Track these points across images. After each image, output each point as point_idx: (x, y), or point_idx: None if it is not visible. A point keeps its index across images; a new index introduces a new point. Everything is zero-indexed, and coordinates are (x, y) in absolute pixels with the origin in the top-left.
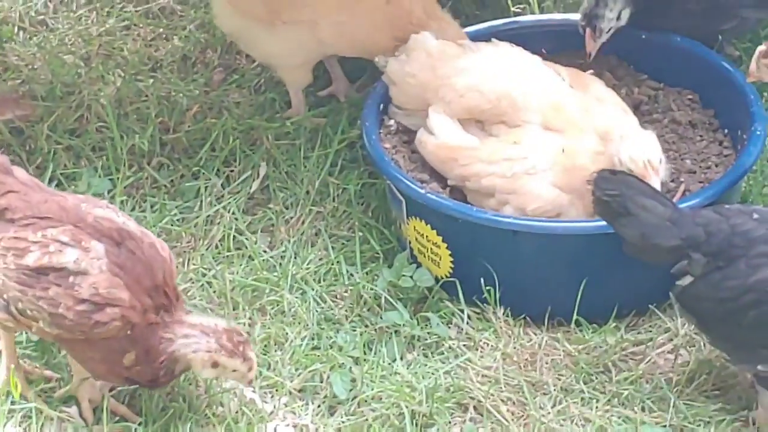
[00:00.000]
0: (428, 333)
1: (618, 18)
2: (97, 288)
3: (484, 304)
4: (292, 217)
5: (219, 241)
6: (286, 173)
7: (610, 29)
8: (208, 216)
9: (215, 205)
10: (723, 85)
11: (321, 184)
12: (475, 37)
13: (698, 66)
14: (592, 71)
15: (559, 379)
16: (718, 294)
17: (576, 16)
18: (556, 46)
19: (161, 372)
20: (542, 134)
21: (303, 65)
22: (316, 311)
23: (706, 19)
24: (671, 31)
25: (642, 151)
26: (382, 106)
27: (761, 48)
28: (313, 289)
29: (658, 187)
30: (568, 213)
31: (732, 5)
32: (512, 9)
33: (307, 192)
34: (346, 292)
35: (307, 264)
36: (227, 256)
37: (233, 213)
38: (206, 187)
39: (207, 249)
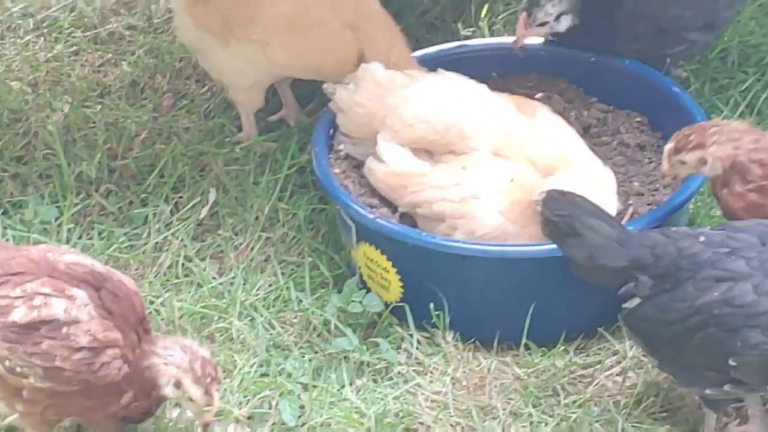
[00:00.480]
0: (377, 358)
1: (557, 19)
2: (94, 334)
3: (434, 329)
4: (241, 244)
5: (167, 268)
6: (235, 199)
7: (544, 23)
8: (157, 243)
9: (164, 232)
10: (671, 107)
11: (271, 209)
12: (425, 61)
13: (647, 89)
14: (542, 94)
15: (508, 403)
16: (666, 316)
17: (527, 39)
18: (507, 69)
19: (153, 401)
20: (491, 160)
21: (255, 86)
22: (265, 338)
23: (655, 43)
24: (619, 53)
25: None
26: (332, 131)
27: (669, 146)
28: (262, 316)
29: None
30: (516, 241)
31: (681, 29)
32: (462, 32)
33: (257, 218)
34: (295, 318)
35: (257, 290)
36: (176, 283)
37: (182, 240)
38: (155, 214)
39: (155, 276)
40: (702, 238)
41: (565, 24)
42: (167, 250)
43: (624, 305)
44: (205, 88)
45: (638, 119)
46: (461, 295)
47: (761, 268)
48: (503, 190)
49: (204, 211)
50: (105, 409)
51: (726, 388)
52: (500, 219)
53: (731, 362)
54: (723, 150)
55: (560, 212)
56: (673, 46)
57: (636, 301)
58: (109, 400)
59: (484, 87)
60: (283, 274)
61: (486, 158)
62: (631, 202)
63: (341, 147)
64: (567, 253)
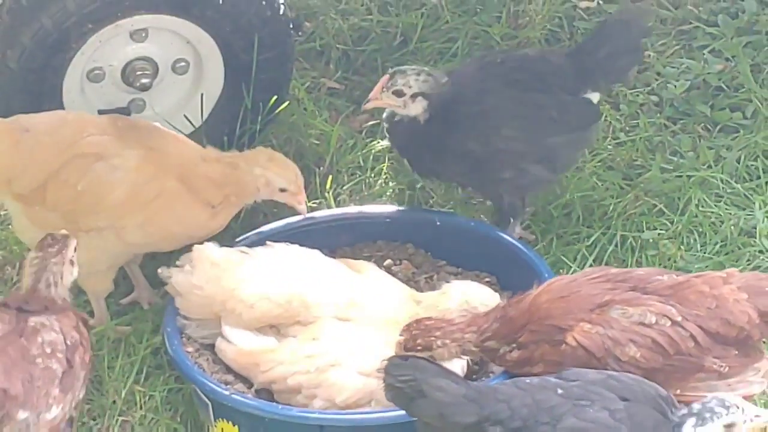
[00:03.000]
0: None
1: (413, 97)
2: None
3: None
4: (99, 429)
5: None
6: (91, 383)
7: (401, 92)
8: None
9: None
10: (518, 266)
11: (127, 392)
12: (273, 235)
13: (493, 249)
14: (390, 261)
15: None
16: None
17: (371, 208)
18: (355, 238)
19: None
20: (339, 325)
21: (108, 270)
22: None
23: (485, 164)
24: (448, 174)
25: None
26: None
27: (399, 339)
28: None
29: None
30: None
31: (513, 155)
32: (308, 204)
33: (114, 402)
34: None
35: None
36: None
37: None
38: None
39: None
40: (560, 391)
41: (416, 109)
42: None
43: None
44: None
45: (487, 279)
46: None
47: (625, 422)
48: (360, 350)
49: None
50: None
51: None
52: (362, 380)
53: None
54: (447, 350)
55: (404, 377)
56: (504, 171)
57: None
58: None
59: (316, 252)
60: None
61: (333, 324)
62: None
63: (186, 331)
64: (416, 415)
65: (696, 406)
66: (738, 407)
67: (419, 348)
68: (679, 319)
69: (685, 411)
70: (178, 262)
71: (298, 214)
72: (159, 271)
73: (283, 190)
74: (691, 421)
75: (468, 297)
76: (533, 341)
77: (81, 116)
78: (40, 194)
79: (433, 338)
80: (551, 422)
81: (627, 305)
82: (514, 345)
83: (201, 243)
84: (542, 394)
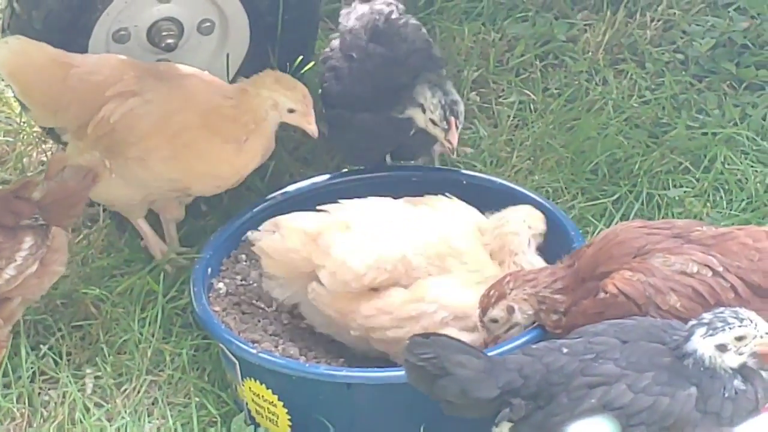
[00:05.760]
0: None
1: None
2: None
3: None
4: (126, 390)
5: (54, 418)
6: (117, 342)
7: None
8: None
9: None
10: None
11: (154, 352)
12: (299, 195)
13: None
14: None
15: None
16: None
17: (397, 167)
18: (380, 195)
19: None
20: (439, 283)
21: (141, 203)
22: None
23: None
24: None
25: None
26: (209, 270)
27: (477, 312)
28: None
29: None
30: None
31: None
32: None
33: (141, 362)
34: None
35: None
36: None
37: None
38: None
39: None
40: (565, 350)
41: None
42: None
43: (494, 429)
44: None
45: None
46: (349, 423)
47: (630, 367)
48: (466, 309)
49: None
50: None
51: None
52: (467, 338)
53: None
54: (523, 292)
55: (427, 355)
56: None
57: (507, 425)
58: None
59: (389, 200)
60: (171, 415)
61: (435, 285)
62: None
63: (220, 285)
64: (438, 394)
65: (707, 316)
66: (751, 321)
67: (494, 299)
68: (721, 269)
69: (694, 321)
70: (261, 227)
71: (310, 135)
72: (248, 234)
73: (291, 111)
74: (701, 330)
75: (526, 220)
76: (573, 302)
77: (122, 60)
78: (84, 131)
79: (505, 284)
80: (564, 382)
81: (669, 254)
82: (562, 311)
83: (233, 186)
84: (549, 356)
